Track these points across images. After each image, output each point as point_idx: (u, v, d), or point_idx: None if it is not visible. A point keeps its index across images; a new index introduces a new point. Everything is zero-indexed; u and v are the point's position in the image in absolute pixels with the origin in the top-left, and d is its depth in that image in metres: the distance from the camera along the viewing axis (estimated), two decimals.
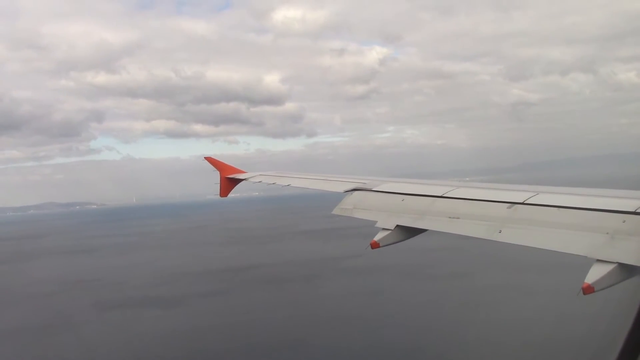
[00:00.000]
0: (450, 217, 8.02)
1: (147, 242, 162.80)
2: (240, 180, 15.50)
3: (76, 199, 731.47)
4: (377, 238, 8.39)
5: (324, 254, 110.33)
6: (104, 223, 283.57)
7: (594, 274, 5.63)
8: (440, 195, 8.64)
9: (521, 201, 7.43)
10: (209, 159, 16.36)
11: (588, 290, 5.53)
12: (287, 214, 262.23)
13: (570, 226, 6.58)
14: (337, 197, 10.53)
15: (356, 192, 10.30)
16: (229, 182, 15.76)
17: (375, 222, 8.79)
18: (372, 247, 8.36)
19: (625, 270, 5.54)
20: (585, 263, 5.96)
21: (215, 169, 16.00)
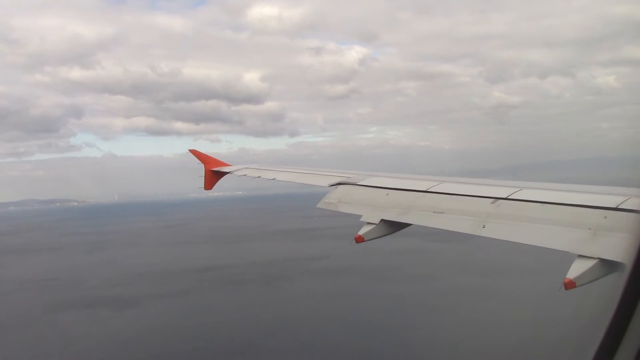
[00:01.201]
0: (434, 212, 8.03)
1: (118, 240, 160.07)
2: (224, 174, 15.29)
3: (57, 196, 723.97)
4: (361, 232, 8.35)
5: (293, 255, 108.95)
6: (81, 220, 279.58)
7: (576, 269, 5.70)
8: (425, 190, 8.64)
9: (505, 196, 7.42)
10: (194, 152, 16.25)
11: (570, 285, 5.61)
12: (266, 213, 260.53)
13: (552, 222, 6.59)
14: (319, 194, 10.50)
15: (341, 186, 10.23)
16: (214, 175, 15.59)
17: (360, 216, 8.75)
18: (357, 242, 8.29)
19: (607, 266, 5.58)
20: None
21: (199, 161, 15.85)
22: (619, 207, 6.02)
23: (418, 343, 51.74)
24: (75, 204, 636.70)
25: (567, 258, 5.88)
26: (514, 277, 78.36)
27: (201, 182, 15.68)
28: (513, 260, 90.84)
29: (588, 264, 5.70)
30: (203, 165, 15.83)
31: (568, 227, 6.36)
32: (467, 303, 65.63)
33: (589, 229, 6.07)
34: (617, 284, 3.24)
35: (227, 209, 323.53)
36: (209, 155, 16.39)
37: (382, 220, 8.42)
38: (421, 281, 78.45)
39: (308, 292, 74.34)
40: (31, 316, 68.32)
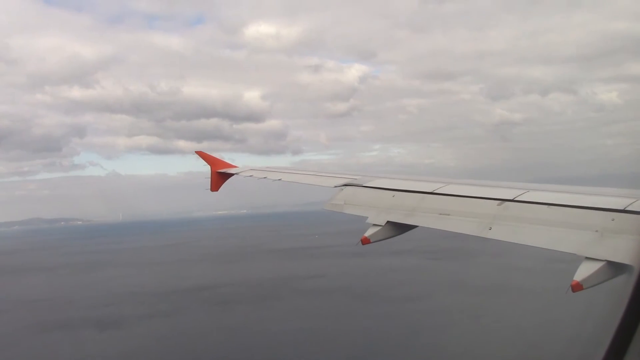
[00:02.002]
0: (440, 214, 8.02)
1: (116, 260, 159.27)
2: (230, 175, 15.25)
3: (62, 215, 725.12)
4: (367, 234, 8.34)
5: (286, 274, 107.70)
6: (84, 240, 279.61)
7: (583, 272, 5.65)
8: (430, 191, 8.59)
9: (511, 198, 7.37)
10: (200, 153, 16.18)
11: (577, 287, 5.57)
12: (267, 231, 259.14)
13: (560, 224, 6.53)
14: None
15: (347, 187, 10.15)
16: (220, 177, 15.57)
17: (366, 217, 8.73)
18: (363, 243, 8.30)
19: (614, 268, 5.52)
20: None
21: (205, 163, 15.86)
22: (626, 209, 5.96)
23: None
24: (80, 223, 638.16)
25: (572, 261, 5.86)
26: (507, 296, 77.17)
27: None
28: (508, 278, 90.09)
29: (595, 266, 5.65)
30: (209, 166, 15.78)
31: (575, 229, 6.30)
32: (456, 323, 64.38)
33: (596, 231, 6.02)
34: (625, 286, 3.19)
35: (229, 227, 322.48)
36: (215, 156, 16.26)
37: (388, 221, 8.43)
38: (413, 301, 77.01)
39: (297, 311, 73.15)
40: (14, 337, 67.76)
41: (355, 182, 10.25)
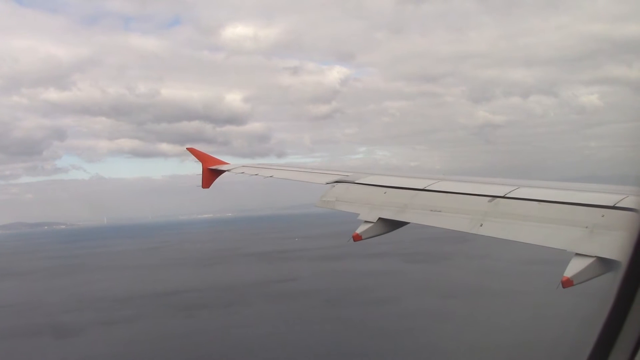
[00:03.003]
0: (432, 210, 8.05)
1: (92, 264, 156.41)
2: (222, 172, 15.17)
3: (45, 219, 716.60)
4: (359, 230, 8.36)
5: (258, 278, 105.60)
6: (64, 244, 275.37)
7: (573, 268, 5.72)
8: (422, 188, 8.59)
9: (502, 195, 7.42)
10: (191, 150, 16.06)
11: (567, 283, 5.67)
12: (249, 234, 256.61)
13: (550, 220, 6.60)
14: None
15: (339, 184, 10.13)
16: (211, 174, 15.44)
17: (358, 214, 8.72)
18: (354, 240, 8.31)
19: (604, 264, 5.59)
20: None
21: (197, 159, 15.71)
22: (616, 205, 5.96)
23: None
24: (64, 227, 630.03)
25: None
26: (479, 299, 75.98)
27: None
28: (483, 281, 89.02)
29: (586, 262, 5.70)
30: (200, 163, 15.60)
31: (565, 226, 6.34)
32: (424, 326, 63.03)
33: (587, 227, 6.06)
34: (613, 281, 3.20)
35: (213, 230, 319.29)
36: (206, 153, 16.03)
37: (380, 218, 8.42)
38: (383, 304, 75.56)
39: (261, 316, 71.31)
40: None
41: (347, 179, 10.24)
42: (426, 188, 8.53)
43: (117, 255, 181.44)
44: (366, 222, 8.47)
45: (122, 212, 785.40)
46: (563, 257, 5.88)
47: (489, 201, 7.41)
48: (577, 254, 5.83)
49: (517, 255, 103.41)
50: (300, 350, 54.96)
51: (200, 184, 15.54)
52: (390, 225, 8.44)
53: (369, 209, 8.71)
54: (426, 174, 9.73)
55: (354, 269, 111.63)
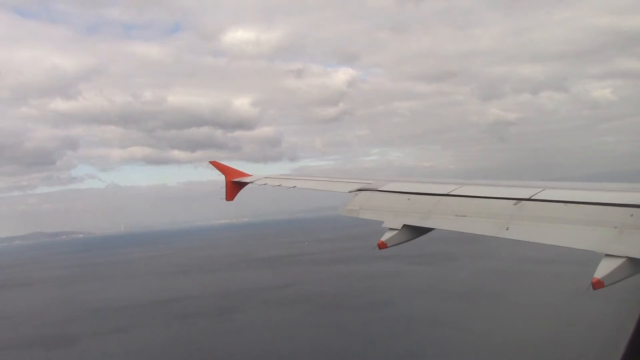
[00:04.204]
0: (457, 215, 8.01)
1: (100, 273, 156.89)
2: (245, 184, 15.24)
3: (63, 229, 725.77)
4: (384, 238, 8.29)
5: (260, 284, 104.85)
6: (79, 253, 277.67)
7: (603, 269, 5.58)
8: (445, 193, 8.58)
9: (528, 197, 7.31)
10: (214, 163, 16.10)
11: (598, 285, 5.51)
12: (260, 239, 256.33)
13: (577, 221, 6.48)
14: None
15: (362, 192, 10.11)
16: (235, 186, 15.48)
17: (382, 222, 8.66)
18: (380, 248, 8.21)
19: (635, 265, 5.50)
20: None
21: (220, 172, 15.74)
22: None
23: None
24: (82, 236, 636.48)
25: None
26: (476, 301, 74.40)
27: (223, 193, 15.60)
28: (484, 283, 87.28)
29: (616, 263, 5.57)
30: (224, 176, 15.65)
31: (593, 226, 6.22)
32: (416, 330, 61.63)
33: (615, 227, 5.96)
34: None
35: (227, 236, 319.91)
36: (229, 166, 16.14)
37: (404, 225, 8.36)
38: (379, 308, 74.08)
39: (255, 324, 70.24)
40: None
41: (369, 186, 10.18)
42: (450, 193, 8.51)
43: (128, 264, 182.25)
44: (391, 229, 8.38)
45: (140, 220, 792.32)
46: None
47: (514, 204, 7.33)
48: (607, 255, 5.67)
49: (521, 254, 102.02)
50: (284, 358, 53.80)
51: (225, 197, 15.61)
52: (415, 231, 8.36)
53: (393, 216, 8.69)
54: (448, 179, 9.73)
55: (357, 272, 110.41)
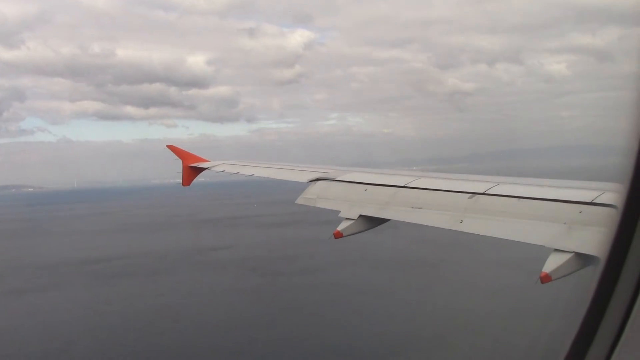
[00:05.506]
0: (413, 207, 8.11)
1: (36, 229, 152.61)
2: (203, 169, 15.29)
3: (12, 182, 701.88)
4: (340, 228, 8.34)
5: (197, 245, 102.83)
6: (26, 207, 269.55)
7: (552, 263, 5.79)
8: (403, 185, 8.62)
9: (482, 191, 7.49)
10: (171, 148, 16.02)
11: (546, 279, 5.75)
12: (211, 200, 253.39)
13: (529, 216, 6.68)
14: (297, 186, 10.48)
15: (320, 181, 10.18)
16: (192, 171, 15.49)
17: (339, 212, 8.72)
18: (335, 237, 8.31)
19: (582, 260, 5.69)
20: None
21: (177, 157, 15.57)
22: (594, 201, 6.07)
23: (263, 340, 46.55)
24: (31, 190, 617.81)
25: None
26: (411, 270, 74.37)
27: (179, 177, 15.46)
28: (421, 252, 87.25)
29: (564, 258, 5.75)
30: (181, 160, 15.48)
31: (544, 222, 6.42)
32: (341, 298, 60.99)
33: (565, 223, 6.15)
34: (591, 277, 3.20)
35: (179, 196, 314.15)
36: (186, 151, 16.07)
37: (360, 215, 8.40)
38: (308, 274, 73.40)
39: (179, 286, 68.70)
40: None
41: (327, 176, 10.28)
42: (407, 185, 8.56)
43: (70, 221, 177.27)
44: (347, 219, 8.43)
45: (93, 175, 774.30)
46: None
47: (469, 198, 7.47)
48: (556, 250, 5.87)
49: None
50: (196, 322, 52.40)
51: (181, 182, 15.65)
52: (372, 222, 8.42)
53: (350, 206, 8.71)
54: (407, 171, 9.97)
55: (298, 237, 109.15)
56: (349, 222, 8.35)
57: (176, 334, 49.30)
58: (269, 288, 65.56)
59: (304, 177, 10.72)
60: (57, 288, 71.25)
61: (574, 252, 5.72)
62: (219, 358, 44.18)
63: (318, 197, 9.74)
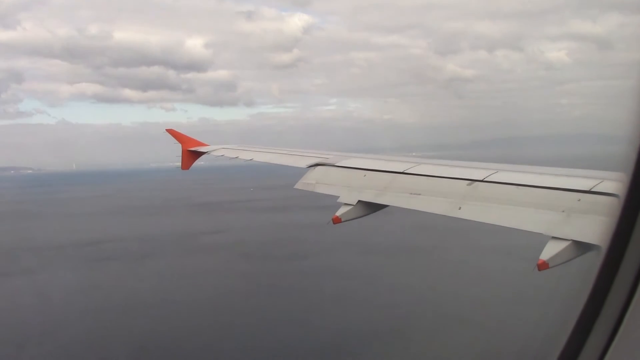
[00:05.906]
0: (411, 194, 8.14)
1: (32, 211, 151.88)
2: (202, 153, 15.30)
3: (12, 164, 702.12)
4: (338, 213, 8.40)
5: (190, 229, 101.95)
6: (24, 189, 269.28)
7: (549, 251, 5.80)
8: (402, 171, 8.60)
9: (481, 179, 7.50)
10: (171, 131, 16.03)
11: (543, 266, 5.75)
12: (208, 184, 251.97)
13: (527, 204, 6.70)
14: (296, 172, 10.50)
15: (319, 167, 10.19)
16: (191, 155, 15.49)
17: (337, 197, 8.78)
18: (334, 222, 8.34)
19: (579, 248, 5.69)
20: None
21: (176, 141, 15.59)
22: (592, 190, 6.05)
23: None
24: (31, 171, 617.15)
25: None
26: (402, 256, 73.62)
27: (179, 160, 15.40)
28: (413, 238, 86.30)
29: (561, 246, 5.75)
30: (180, 144, 15.51)
31: (542, 210, 6.40)
32: (328, 283, 60.24)
33: (563, 211, 6.15)
34: (591, 265, 3.19)
35: (177, 179, 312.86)
36: (186, 135, 16.08)
37: (359, 201, 8.42)
38: (298, 259, 72.70)
39: (165, 270, 68.09)
40: None
41: (327, 161, 10.31)
42: (406, 171, 8.57)
43: (67, 203, 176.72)
44: (346, 204, 8.46)
45: (92, 158, 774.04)
46: None
47: (468, 185, 7.49)
48: (554, 237, 5.87)
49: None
50: (178, 306, 51.63)
51: (180, 166, 15.59)
52: (370, 207, 8.43)
53: (349, 192, 8.74)
54: (406, 157, 9.88)
55: (293, 221, 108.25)
56: (348, 208, 8.40)
57: (160, 317, 48.53)
58: (257, 273, 64.78)
59: (303, 163, 10.80)
60: (43, 271, 70.38)
61: (571, 239, 5.74)
62: (196, 341, 43.40)
63: (317, 182, 9.78)
